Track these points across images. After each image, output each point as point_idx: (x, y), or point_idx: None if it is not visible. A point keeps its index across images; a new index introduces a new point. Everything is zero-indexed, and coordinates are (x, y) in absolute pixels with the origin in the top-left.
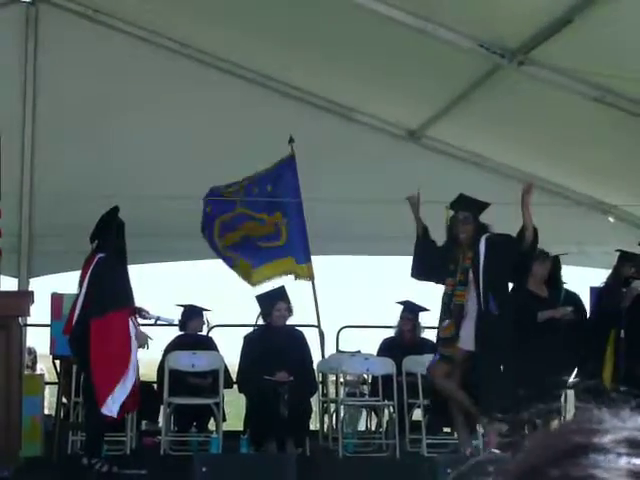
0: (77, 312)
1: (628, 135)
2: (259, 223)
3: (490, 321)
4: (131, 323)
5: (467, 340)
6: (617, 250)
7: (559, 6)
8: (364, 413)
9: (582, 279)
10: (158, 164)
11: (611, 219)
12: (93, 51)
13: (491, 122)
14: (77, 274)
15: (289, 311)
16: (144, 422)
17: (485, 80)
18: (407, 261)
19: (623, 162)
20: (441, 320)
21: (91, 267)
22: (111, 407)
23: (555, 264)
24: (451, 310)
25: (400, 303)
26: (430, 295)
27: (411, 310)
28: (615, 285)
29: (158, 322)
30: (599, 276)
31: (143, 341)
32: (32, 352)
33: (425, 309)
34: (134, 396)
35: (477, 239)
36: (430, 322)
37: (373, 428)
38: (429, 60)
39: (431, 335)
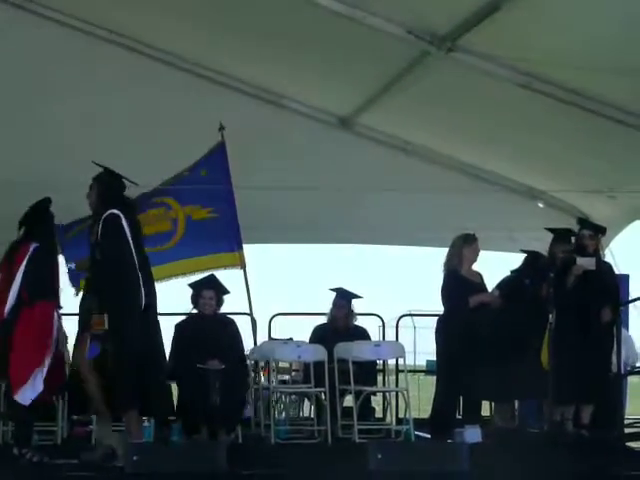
0: (12, 299)
1: (556, 121)
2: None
3: None
4: (55, 316)
5: None
6: (549, 229)
7: None
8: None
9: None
10: (87, 152)
11: (541, 205)
12: (24, 38)
13: (421, 109)
14: None
15: (217, 300)
16: None
17: (414, 67)
18: (339, 249)
19: (551, 148)
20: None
21: (27, 256)
22: (24, 395)
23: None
24: None
25: (333, 290)
26: (363, 282)
27: (344, 297)
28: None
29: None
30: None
31: (63, 341)
32: None
33: (358, 296)
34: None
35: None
36: (361, 309)
37: (305, 415)
38: (358, 47)
39: (362, 322)
